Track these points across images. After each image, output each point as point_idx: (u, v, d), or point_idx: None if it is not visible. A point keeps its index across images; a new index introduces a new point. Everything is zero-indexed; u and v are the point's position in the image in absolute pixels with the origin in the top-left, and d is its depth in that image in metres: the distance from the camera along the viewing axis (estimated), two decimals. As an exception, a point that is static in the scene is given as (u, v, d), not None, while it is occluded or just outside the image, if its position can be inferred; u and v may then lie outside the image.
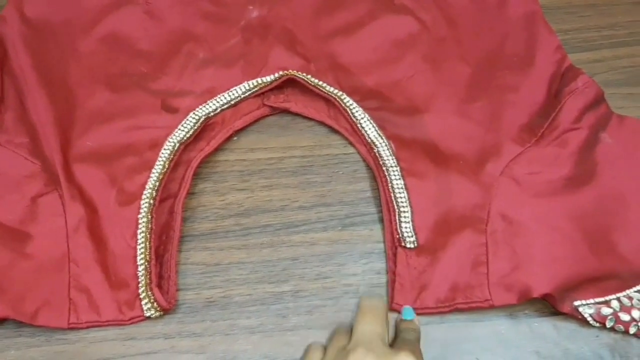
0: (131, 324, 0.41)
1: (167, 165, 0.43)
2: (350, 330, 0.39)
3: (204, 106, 0.45)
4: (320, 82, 0.46)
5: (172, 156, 0.44)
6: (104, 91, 0.45)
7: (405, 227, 0.42)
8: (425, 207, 0.43)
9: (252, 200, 0.45)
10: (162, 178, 0.43)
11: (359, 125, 0.45)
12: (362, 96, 0.46)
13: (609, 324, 0.40)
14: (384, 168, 0.44)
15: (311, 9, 0.49)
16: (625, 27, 0.52)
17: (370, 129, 0.45)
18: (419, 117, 0.45)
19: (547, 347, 0.41)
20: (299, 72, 0.46)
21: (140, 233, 0.41)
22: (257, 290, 0.42)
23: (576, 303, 0.39)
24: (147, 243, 0.41)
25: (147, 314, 0.40)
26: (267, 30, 0.48)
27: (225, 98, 0.46)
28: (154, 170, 0.43)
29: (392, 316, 0.41)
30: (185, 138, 0.44)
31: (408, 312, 0.40)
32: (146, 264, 0.41)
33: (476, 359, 0.40)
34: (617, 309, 0.39)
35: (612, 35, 0.52)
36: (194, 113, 0.45)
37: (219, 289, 0.42)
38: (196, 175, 0.45)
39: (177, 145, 0.44)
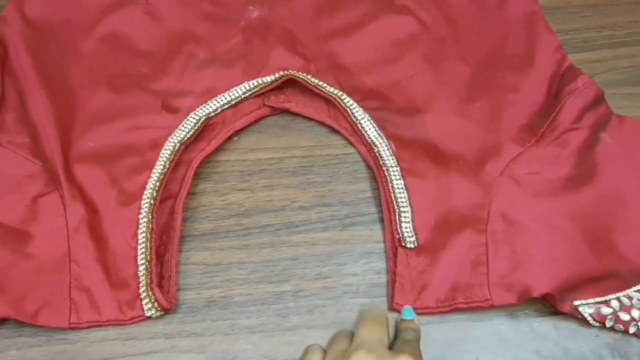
0: (132, 323, 0.41)
1: (167, 166, 0.43)
2: (350, 335, 0.39)
3: (205, 106, 0.45)
4: (321, 82, 0.46)
5: (172, 156, 0.44)
6: (105, 91, 0.46)
7: (406, 227, 0.42)
8: (425, 207, 0.43)
9: (253, 200, 0.45)
10: (163, 178, 0.43)
11: (359, 125, 0.45)
12: (362, 96, 0.46)
13: (608, 324, 0.40)
14: (384, 168, 0.44)
15: (311, 9, 0.49)
16: (625, 27, 0.52)
17: (370, 129, 0.45)
18: (419, 117, 0.45)
19: (547, 347, 0.41)
20: (299, 73, 0.46)
21: (140, 233, 0.41)
22: (258, 290, 0.43)
23: (576, 303, 0.40)
24: (148, 243, 0.41)
25: (148, 314, 0.40)
26: (267, 31, 0.48)
27: (225, 98, 0.46)
28: (154, 171, 0.43)
29: (392, 316, 0.41)
30: (185, 138, 0.44)
31: (408, 312, 0.40)
32: (147, 263, 0.41)
33: (476, 359, 0.41)
34: (617, 309, 0.39)
35: (612, 35, 0.52)
36: (194, 113, 0.45)
37: (219, 288, 0.43)
38: (197, 175, 0.45)
39: (178, 145, 0.44)
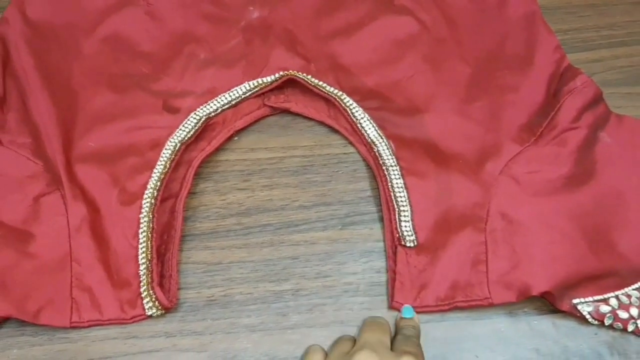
0: (133, 322, 0.41)
1: (168, 165, 0.44)
2: (353, 340, 0.39)
3: (205, 106, 0.46)
4: (321, 83, 0.46)
5: (173, 156, 0.44)
6: (106, 92, 0.46)
7: (405, 226, 0.42)
8: (425, 206, 0.43)
9: (253, 199, 0.46)
10: (164, 178, 0.43)
11: (359, 125, 0.46)
12: (362, 96, 0.46)
13: (607, 322, 0.40)
14: (384, 167, 0.44)
15: (311, 10, 0.49)
16: (623, 27, 0.52)
17: (370, 129, 0.45)
18: (419, 117, 0.46)
19: (546, 345, 0.41)
20: (300, 73, 0.47)
21: (141, 232, 0.42)
22: (258, 289, 0.43)
23: (575, 301, 0.40)
24: (149, 242, 0.42)
25: (149, 313, 0.41)
26: (267, 31, 0.48)
27: (226, 98, 0.46)
28: (155, 170, 0.43)
29: (392, 315, 0.42)
30: (186, 138, 0.44)
31: (408, 311, 0.41)
32: (148, 263, 0.41)
33: (476, 357, 0.41)
34: (616, 307, 0.40)
35: (611, 35, 0.52)
36: (195, 113, 0.45)
37: (220, 287, 0.43)
38: (197, 175, 0.45)
39: (179, 145, 0.44)
